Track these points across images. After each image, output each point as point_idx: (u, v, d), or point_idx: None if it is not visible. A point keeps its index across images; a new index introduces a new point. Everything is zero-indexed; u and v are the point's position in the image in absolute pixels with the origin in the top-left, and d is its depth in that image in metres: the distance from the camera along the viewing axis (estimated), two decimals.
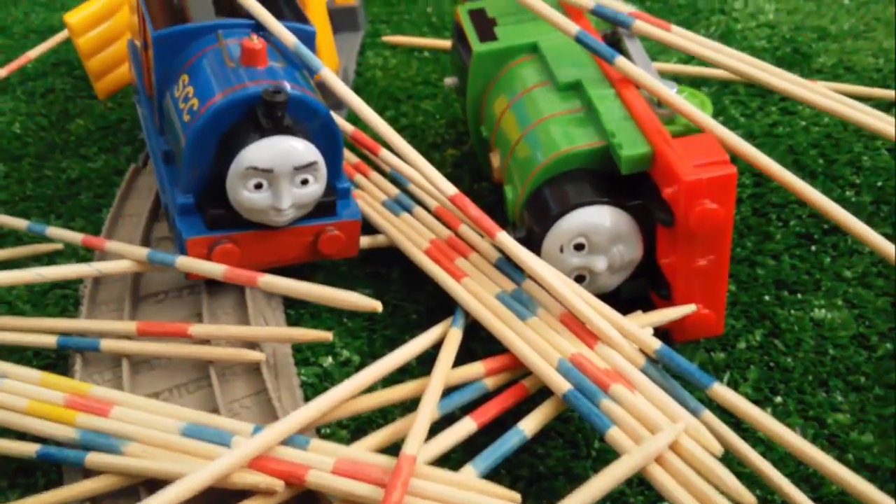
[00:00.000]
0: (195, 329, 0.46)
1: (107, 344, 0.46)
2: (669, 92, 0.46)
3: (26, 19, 0.89)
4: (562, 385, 0.38)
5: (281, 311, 0.51)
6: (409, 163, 0.46)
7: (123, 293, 0.51)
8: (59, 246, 0.58)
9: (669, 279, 0.45)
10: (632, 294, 0.47)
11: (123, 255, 0.49)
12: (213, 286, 0.50)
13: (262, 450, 0.37)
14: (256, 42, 0.47)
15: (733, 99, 0.64)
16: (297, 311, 0.51)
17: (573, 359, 0.39)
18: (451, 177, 0.53)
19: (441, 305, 0.48)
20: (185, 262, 0.46)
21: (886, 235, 0.44)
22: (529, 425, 0.38)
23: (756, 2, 0.77)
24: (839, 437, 0.41)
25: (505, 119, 0.52)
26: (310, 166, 0.45)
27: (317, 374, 0.47)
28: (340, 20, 0.77)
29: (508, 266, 0.47)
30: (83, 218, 0.62)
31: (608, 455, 0.41)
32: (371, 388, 0.42)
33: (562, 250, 0.44)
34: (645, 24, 0.52)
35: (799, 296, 0.48)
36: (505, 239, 0.43)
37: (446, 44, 0.75)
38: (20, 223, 0.57)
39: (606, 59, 0.49)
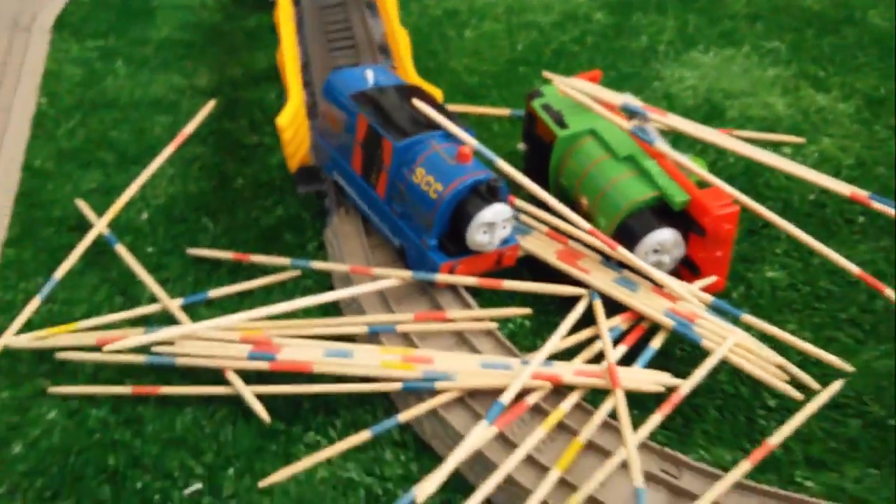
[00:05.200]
0: (451, 314, 0.81)
1: (400, 328, 0.81)
2: (686, 160, 0.86)
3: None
4: (670, 322, 0.77)
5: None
6: (558, 212, 0.84)
7: (383, 298, 0.85)
8: (297, 273, 0.91)
9: (699, 264, 0.84)
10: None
11: (389, 276, 0.84)
12: (432, 288, 0.85)
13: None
14: (468, 149, 0.82)
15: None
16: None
17: (671, 309, 0.79)
18: None
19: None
20: (445, 278, 0.82)
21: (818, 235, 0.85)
22: (656, 343, 0.77)
23: (680, 71, 1.18)
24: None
25: (587, 179, 0.90)
26: (509, 218, 0.82)
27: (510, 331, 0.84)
28: None
29: (609, 263, 0.85)
30: (296, 253, 0.94)
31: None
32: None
33: (646, 254, 0.83)
34: (654, 115, 0.90)
35: (755, 265, 0.89)
36: (622, 251, 0.81)
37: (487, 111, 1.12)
38: (284, 261, 0.89)
39: (649, 143, 0.88)
